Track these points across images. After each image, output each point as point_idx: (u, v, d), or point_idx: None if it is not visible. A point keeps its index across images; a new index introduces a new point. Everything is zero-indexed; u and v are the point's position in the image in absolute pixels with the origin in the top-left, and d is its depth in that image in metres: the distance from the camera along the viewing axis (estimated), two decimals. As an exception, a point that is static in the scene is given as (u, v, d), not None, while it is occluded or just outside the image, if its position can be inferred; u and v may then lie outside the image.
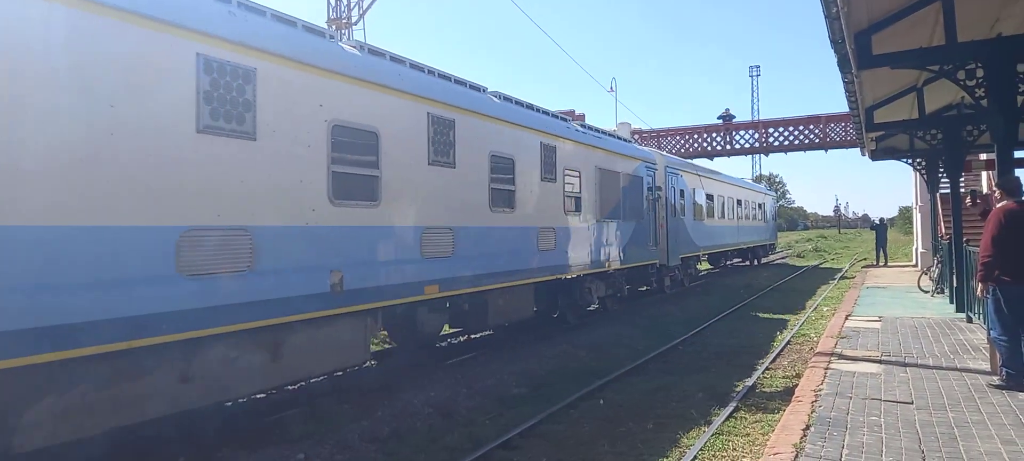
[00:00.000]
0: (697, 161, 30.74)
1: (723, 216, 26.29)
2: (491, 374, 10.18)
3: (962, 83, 8.26)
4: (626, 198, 15.81)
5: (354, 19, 24.61)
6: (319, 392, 9.23)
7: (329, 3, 24.87)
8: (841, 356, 9.04)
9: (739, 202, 29.04)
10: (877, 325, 11.72)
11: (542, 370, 10.55)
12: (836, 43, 8.45)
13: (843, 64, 9.10)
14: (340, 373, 10.12)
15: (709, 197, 24.08)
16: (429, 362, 11.02)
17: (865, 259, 37.96)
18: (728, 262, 30.88)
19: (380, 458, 6.90)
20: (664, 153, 20.50)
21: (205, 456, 6.83)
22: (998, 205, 7.41)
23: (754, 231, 32.03)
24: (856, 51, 8.32)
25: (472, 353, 11.67)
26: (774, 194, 40.68)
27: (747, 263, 33.31)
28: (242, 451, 6.92)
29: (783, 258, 43.06)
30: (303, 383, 9.69)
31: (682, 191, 20.62)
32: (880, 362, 8.60)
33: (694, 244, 21.93)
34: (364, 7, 24.76)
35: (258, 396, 9.14)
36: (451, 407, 8.58)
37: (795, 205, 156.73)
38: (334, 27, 23.87)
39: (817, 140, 31.77)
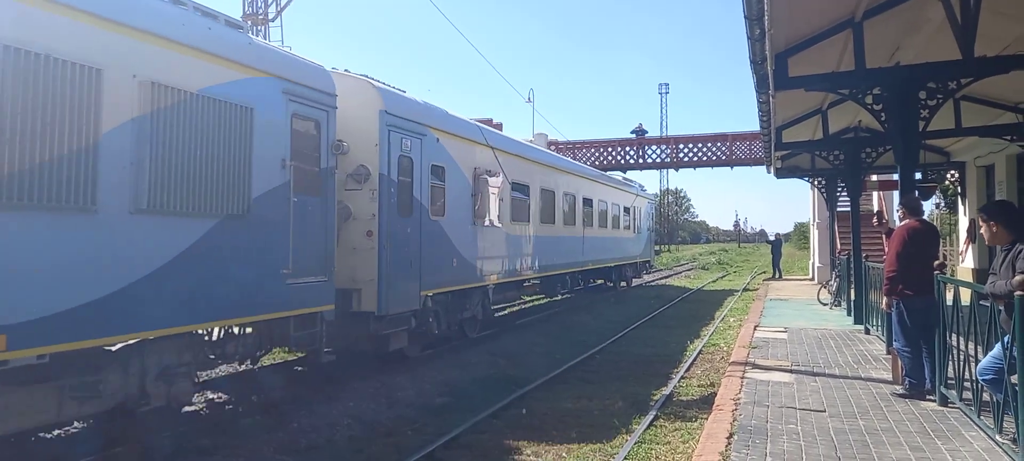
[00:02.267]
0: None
1: (550, 219, 17.33)
2: (412, 384, 9.97)
3: (869, 107, 8.71)
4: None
5: (271, 16, 23.80)
6: (221, 402, 8.78)
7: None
8: (754, 365, 9.35)
9: (587, 201, 20.65)
10: (784, 335, 12.22)
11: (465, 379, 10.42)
12: (756, 64, 8.74)
13: (761, 85, 9.42)
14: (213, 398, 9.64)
15: (518, 187, 15.22)
16: (344, 374, 10.67)
17: (764, 272, 39.76)
18: (563, 293, 20.69)
19: (299, 472, 6.59)
20: (382, 83, 10.78)
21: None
22: (901, 223, 7.85)
23: (615, 245, 24.02)
24: (775, 73, 8.64)
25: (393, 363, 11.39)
26: (651, 196, 31.82)
27: (606, 284, 25.12)
28: (147, 467, 6.46)
29: (667, 278, 37.75)
30: (212, 396, 9.19)
31: (442, 168, 11.75)
32: (791, 371, 8.94)
33: (469, 267, 12.76)
34: (282, 4, 24.00)
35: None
36: (372, 418, 8.33)
37: (698, 219, 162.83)
38: (250, 23, 23.01)
39: (724, 157, 33.06)
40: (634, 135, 35.75)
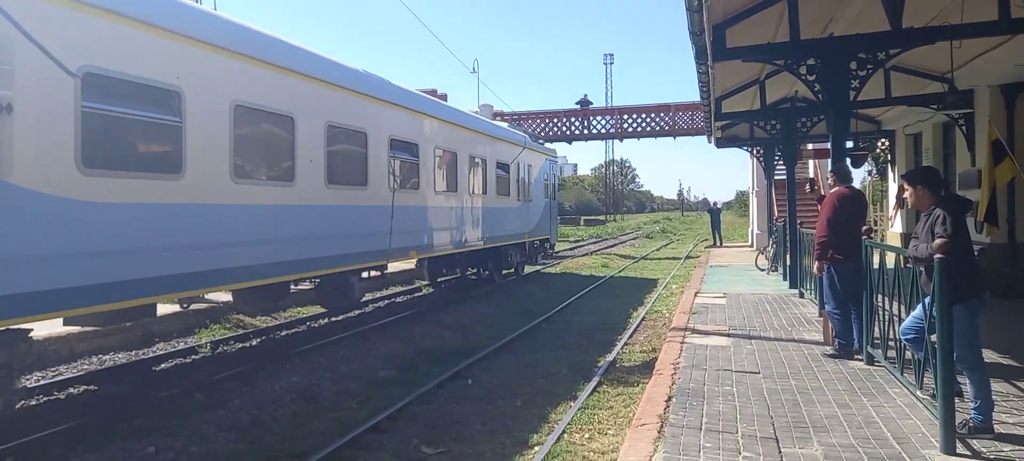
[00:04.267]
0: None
1: (342, 179, 10.27)
2: (356, 357, 9.91)
3: (803, 77, 8.92)
4: None
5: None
6: (155, 384, 8.58)
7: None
8: (694, 331, 9.60)
9: (406, 146, 12.29)
10: (722, 301, 12.55)
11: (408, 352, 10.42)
12: (695, 34, 8.85)
13: (700, 55, 9.55)
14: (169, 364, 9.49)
15: (271, 118, 8.70)
16: (286, 347, 10.55)
17: (706, 239, 40.69)
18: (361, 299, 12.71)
19: (242, 447, 6.51)
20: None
21: (43, 457, 6.15)
22: (832, 190, 8.11)
23: (489, 218, 16.28)
24: (713, 44, 8.76)
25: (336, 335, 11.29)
26: (550, 151, 23.13)
27: (473, 276, 18.54)
28: (83, 447, 6.28)
29: (611, 246, 36.71)
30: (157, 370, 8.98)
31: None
32: (728, 335, 9.21)
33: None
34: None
35: (90, 388, 8.36)
36: (315, 392, 8.26)
37: (644, 189, 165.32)
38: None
39: (667, 127, 33.48)
40: (579, 106, 35.74)
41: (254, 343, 11.16)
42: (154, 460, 6.16)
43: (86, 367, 9.23)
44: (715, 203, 38.25)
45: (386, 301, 15.94)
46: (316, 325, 12.76)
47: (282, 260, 8.82)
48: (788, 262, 14.58)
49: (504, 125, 19.90)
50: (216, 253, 7.73)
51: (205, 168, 7.54)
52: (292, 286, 10.35)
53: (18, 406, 7.45)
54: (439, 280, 17.73)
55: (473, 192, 15.36)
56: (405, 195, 12.09)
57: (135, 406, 7.53)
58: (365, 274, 11.87)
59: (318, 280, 10.87)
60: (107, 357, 9.77)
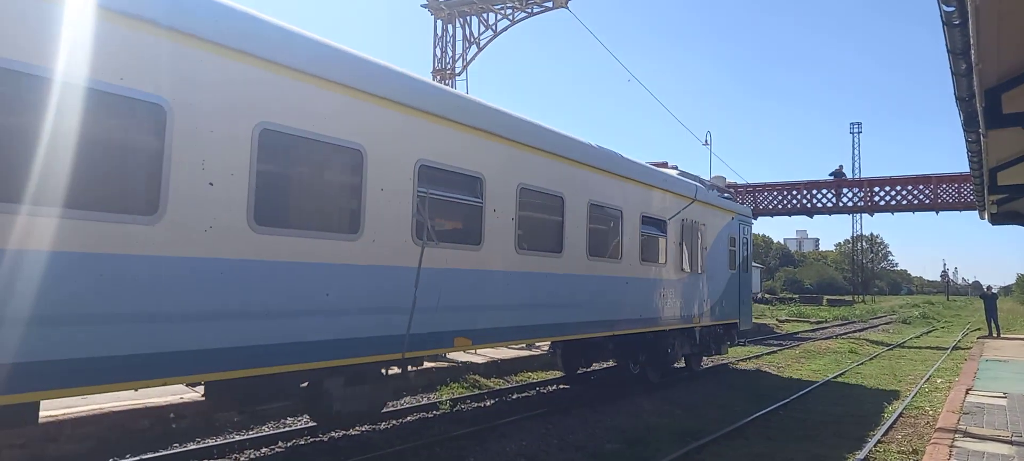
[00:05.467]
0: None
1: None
2: (583, 427, 9.99)
3: (1105, 145, 7.66)
4: None
5: (458, 70, 25.37)
6: (402, 435, 9.29)
7: (434, 55, 25.77)
8: (966, 433, 8.37)
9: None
10: (1003, 402, 10.82)
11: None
12: (962, 100, 8.02)
13: (969, 123, 8.62)
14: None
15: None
16: (515, 411, 10.92)
17: (978, 328, 35.47)
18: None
19: (475, 506, 6.82)
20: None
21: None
22: None
23: (627, 292, 11.70)
24: (986, 110, 7.87)
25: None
26: (738, 209, 17.62)
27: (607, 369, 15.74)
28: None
29: (860, 330, 35.66)
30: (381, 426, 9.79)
31: None
32: (1012, 443, 7.90)
33: None
34: (468, 59, 25.52)
35: (334, 435, 9.29)
36: (543, 459, 8.44)
37: (899, 268, 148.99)
38: (438, 78, 24.67)
39: (928, 201, 30.08)
40: (833, 176, 32.91)
41: (488, 404, 11.71)
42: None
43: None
44: (990, 287, 33.25)
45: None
46: (545, 391, 13.09)
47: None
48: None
49: (661, 171, 13.92)
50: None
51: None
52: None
53: (289, 445, 8.53)
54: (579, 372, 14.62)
55: (615, 257, 11.40)
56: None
57: (384, 454, 8.23)
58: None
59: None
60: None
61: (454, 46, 25.76)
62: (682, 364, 15.53)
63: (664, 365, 14.28)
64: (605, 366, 15.76)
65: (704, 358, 17.00)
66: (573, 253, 10.18)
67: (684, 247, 13.80)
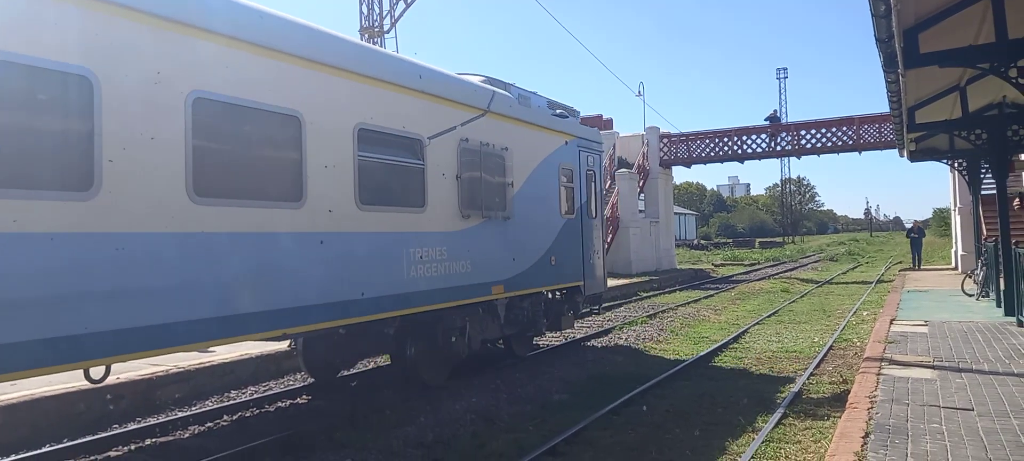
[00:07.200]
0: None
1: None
2: (531, 380, 10.12)
3: (1014, 81, 8.05)
4: None
5: (386, 28, 24.79)
6: (354, 399, 9.25)
7: (361, 12, 25.09)
8: (891, 362, 8.83)
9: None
10: (924, 329, 11.44)
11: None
12: (882, 41, 8.28)
13: (889, 63, 8.91)
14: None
15: None
16: (466, 371, 10.97)
17: (900, 262, 37.36)
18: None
19: (427, 464, 6.86)
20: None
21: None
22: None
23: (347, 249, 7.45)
24: (904, 49, 8.14)
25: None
26: (575, 130, 12.28)
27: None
28: (289, 459, 6.94)
29: (790, 270, 37.97)
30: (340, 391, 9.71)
31: None
32: (934, 367, 8.38)
33: None
34: (396, 15, 24.94)
35: (299, 401, 9.20)
36: (493, 414, 8.53)
37: (825, 208, 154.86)
38: (366, 36, 24.05)
39: (850, 142, 31.18)
40: (768, 122, 33.67)
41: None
42: (351, 472, 6.65)
43: (291, 382, 10.16)
44: (914, 221, 34.64)
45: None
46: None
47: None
48: (1002, 286, 13.03)
49: (408, 61, 9.30)
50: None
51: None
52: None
53: (234, 418, 8.39)
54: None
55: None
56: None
57: (337, 420, 8.18)
58: None
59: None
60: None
61: (381, 2, 25.13)
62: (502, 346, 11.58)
63: (445, 361, 9.78)
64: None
65: (565, 330, 12.91)
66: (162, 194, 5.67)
67: (464, 182, 9.34)
